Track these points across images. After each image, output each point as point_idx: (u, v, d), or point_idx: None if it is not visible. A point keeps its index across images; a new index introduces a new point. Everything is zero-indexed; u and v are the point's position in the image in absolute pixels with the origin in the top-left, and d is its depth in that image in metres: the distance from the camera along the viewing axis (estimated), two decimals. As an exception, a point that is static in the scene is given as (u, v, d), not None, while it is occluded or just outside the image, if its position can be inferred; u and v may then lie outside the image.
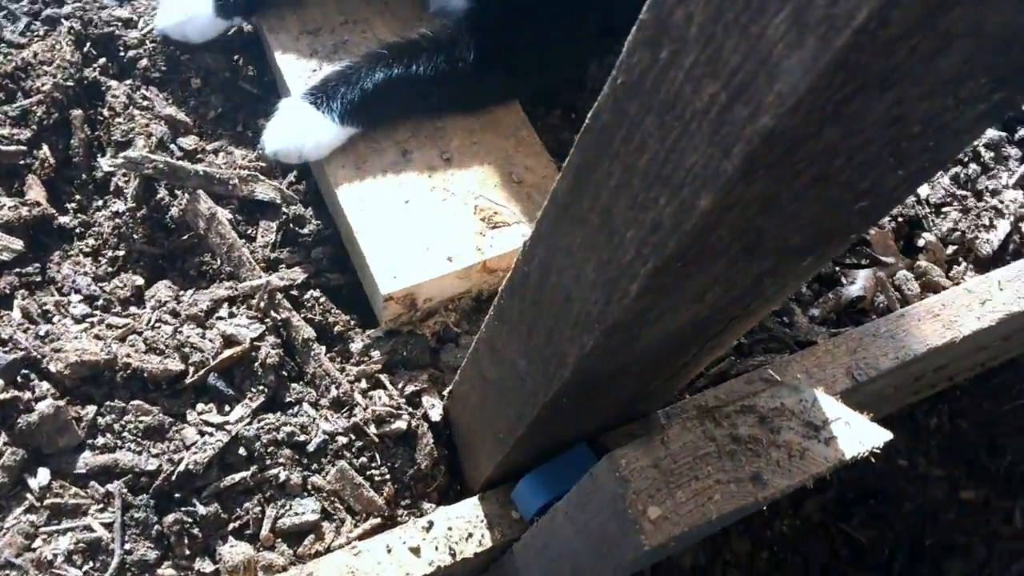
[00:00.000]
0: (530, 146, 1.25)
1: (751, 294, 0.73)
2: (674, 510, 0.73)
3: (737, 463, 0.76)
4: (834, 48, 0.39)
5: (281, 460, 1.03)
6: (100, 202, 1.18)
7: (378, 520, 1.03)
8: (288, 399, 1.07)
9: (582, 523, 0.81)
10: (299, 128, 1.13)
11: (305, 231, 1.20)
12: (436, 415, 1.09)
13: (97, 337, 1.04)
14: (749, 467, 0.76)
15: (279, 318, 1.10)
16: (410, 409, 1.08)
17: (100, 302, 1.10)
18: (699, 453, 0.75)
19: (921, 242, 1.36)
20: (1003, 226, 1.37)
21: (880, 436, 0.79)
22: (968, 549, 2.31)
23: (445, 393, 1.10)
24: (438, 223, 1.15)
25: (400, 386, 1.10)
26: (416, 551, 0.99)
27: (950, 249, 1.36)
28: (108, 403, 1.00)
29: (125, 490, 0.97)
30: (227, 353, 1.06)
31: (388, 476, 1.06)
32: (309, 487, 1.03)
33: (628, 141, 0.55)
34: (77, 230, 1.17)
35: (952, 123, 0.53)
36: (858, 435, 0.79)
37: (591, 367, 0.74)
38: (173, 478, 0.98)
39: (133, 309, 1.10)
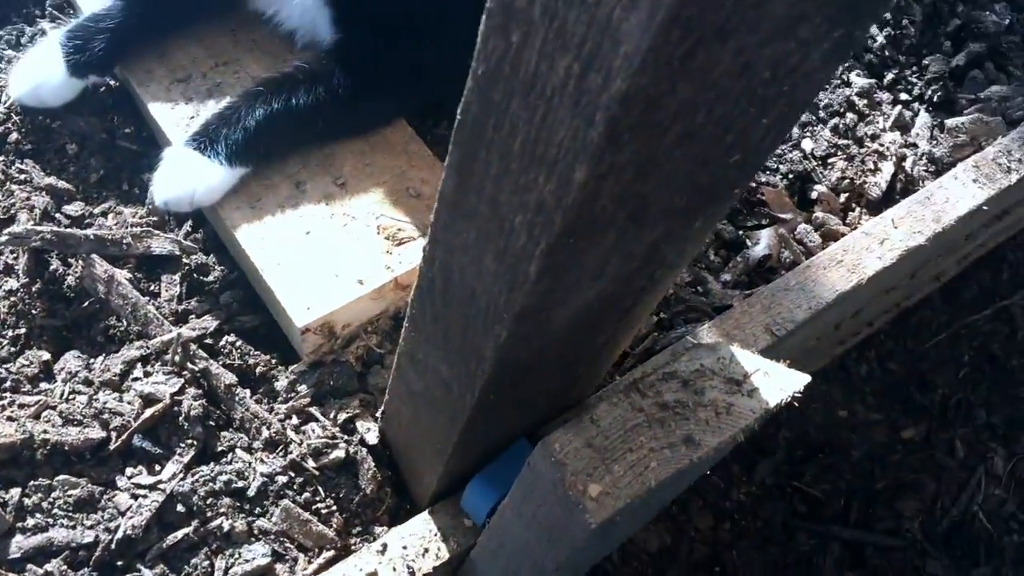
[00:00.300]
0: (422, 159, 1.26)
1: (652, 262, 0.75)
2: (614, 484, 0.74)
3: (667, 429, 0.77)
4: (665, 5, 0.41)
5: (222, 510, 1.01)
6: (-7, 283, 1.15)
7: (331, 552, 1.02)
8: (220, 448, 1.06)
9: (529, 515, 0.82)
10: (187, 175, 1.12)
11: (210, 279, 1.18)
12: (373, 438, 1.09)
13: (10, 419, 1.01)
14: (680, 431, 0.77)
15: (197, 369, 1.08)
16: (346, 437, 1.08)
17: (8, 383, 1.06)
18: (629, 425, 0.77)
19: (814, 195, 1.41)
20: (887, 168, 1.43)
21: (799, 380, 0.82)
22: (918, 486, 2.39)
23: (378, 415, 1.09)
24: (343, 248, 1.15)
25: (332, 416, 1.09)
26: (374, 574, 0.98)
27: (842, 197, 1.42)
28: (32, 483, 0.97)
29: (65, 567, 0.94)
30: (148, 412, 1.04)
31: (335, 507, 1.05)
32: (255, 532, 1.01)
33: (499, 128, 0.56)
34: (-27, 316, 1.14)
35: (800, 65, 0.55)
36: (778, 383, 0.81)
37: (510, 358, 0.75)
38: (112, 547, 0.96)
39: (44, 385, 1.07)
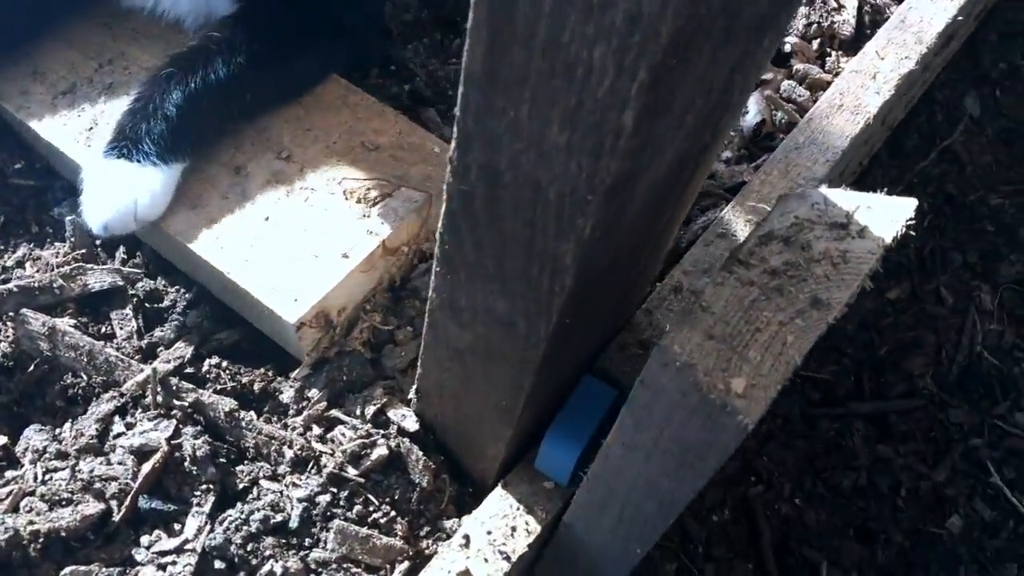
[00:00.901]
0: (367, 109, 1.10)
1: (722, 102, 0.62)
2: (756, 373, 0.61)
3: (789, 296, 0.64)
4: None
5: (268, 552, 0.84)
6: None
7: (406, 563, 0.87)
8: (241, 485, 0.89)
9: (649, 443, 0.68)
10: (120, 189, 0.93)
11: (166, 303, 1.01)
12: (412, 424, 0.93)
13: (-18, 522, 0.82)
14: (802, 295, 0.65)
15: (186, 403, 0.91)
16: (382, 431, 0.92)
17: (-35, 484, 0.87)
18: (746, 303, 0.64)
19: (787, 47, 1.30)
20: (851, 3, 1.33)
21: (907, 205, 0.70)
22: (918, 342, 2.33)
23: (410, 397, 0.94)
24: (312, 226, 0.99)
25: (358, 412, 0.94)
26: (466, 572, 0.83)
27: (815, 44, 1.31)
28: (34, 589, 0.79)
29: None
30: (147, 467, 0.86)
31: (393, 512, 0.89)
32: (313, 566, 0.85)
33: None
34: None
35: None
36: (885, 214, 0.69)
37: (593, 258, 0.61)
38: (154, 634, 0.78)
39: (9, 473, 0.88)
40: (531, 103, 0.51)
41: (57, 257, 1.01)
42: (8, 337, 0.94)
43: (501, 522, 0.88)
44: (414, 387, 0.92)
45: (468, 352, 0.78)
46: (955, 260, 2.46)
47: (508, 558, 0.85)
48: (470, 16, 0.51)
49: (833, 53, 1.30)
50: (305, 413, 0.94)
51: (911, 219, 0.69)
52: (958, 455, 2.17)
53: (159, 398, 0.91)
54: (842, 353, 2.24)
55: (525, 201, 0.58)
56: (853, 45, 1.30)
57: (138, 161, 0.94)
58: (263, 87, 1.04)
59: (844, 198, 0.70)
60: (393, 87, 1.20)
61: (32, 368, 0.94)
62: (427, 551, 0.89)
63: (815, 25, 1.31)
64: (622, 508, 0.79)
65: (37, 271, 1.00)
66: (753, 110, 1.21)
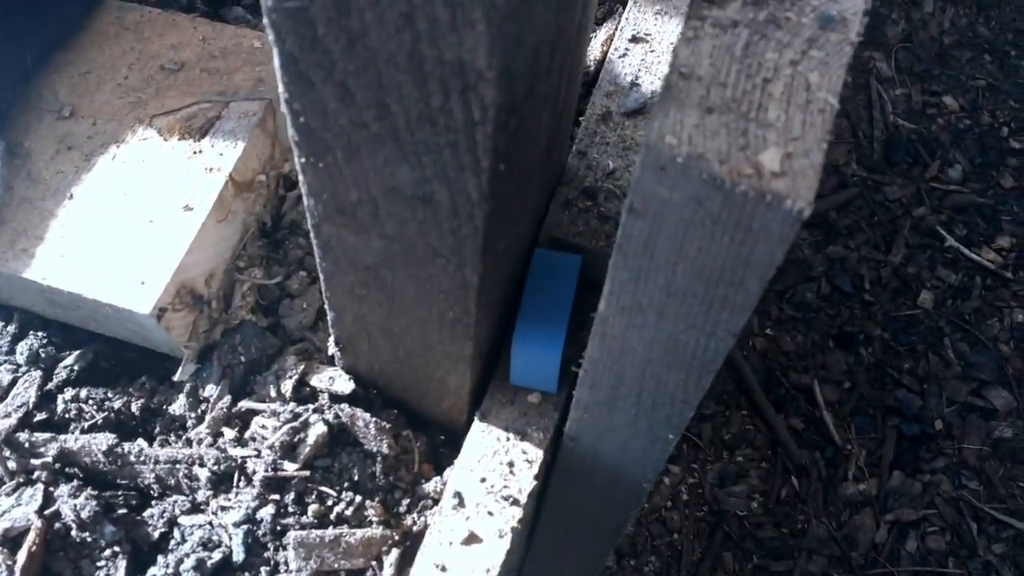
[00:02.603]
0: (154, 23, 0.85)
1: None
2: (787, 136, 0.42)
3: (789, 25, 0.46)
4: None
5: (218, 606, 0.64)
6: None
7: (396, 551, 0.68)
8: (157, 531, 0.67)
9: (661, 293, 0.49)
10: None
11: (-12, 345, 0.77)
12: (344, 386, 0.73)
13: None
14: (805, 18, 0.46)
15: (49, 458, 0.68)
16: (311, 406, 0.71)
17: None
18: (738, 52, 0.44)
19: None
20: None
21: None
22: (837, 129, 2.22)
23: (331, 353, 0.73)
24: (133, 186, 0.75)
25: (273, 394, 0.72)
26: (473, 537, 0.65)
27: None
28: None
29: None
30: (22, 557, 0.64)
31: (358, 496, 0.69)
32: (282, 599, 0.65)
33: None
34: None
35: None
36: None
37: (513, 49, 0.41)
38: None
39: None
40: None
41: None
42: None
43: (493, 461, 0.69)
44: (331, 339, 0.71)
45: (382, 265, 0.58)
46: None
47: (516, 501, 0.67)
48: None
49: None
50: (208, 418, 0.72)
51: None
52: (907, 231, 2.08)
53: (10, 464, 0.68)
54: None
55: (392, 42, 0.37)
56: None
57: None
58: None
59: None
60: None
61: None
62: (415, 528, 0.70)
63: None
64: (638, 394, 0.60)
65: None
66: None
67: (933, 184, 2.14)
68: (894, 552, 1.73)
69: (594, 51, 0.91)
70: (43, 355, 0.76)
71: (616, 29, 0.86)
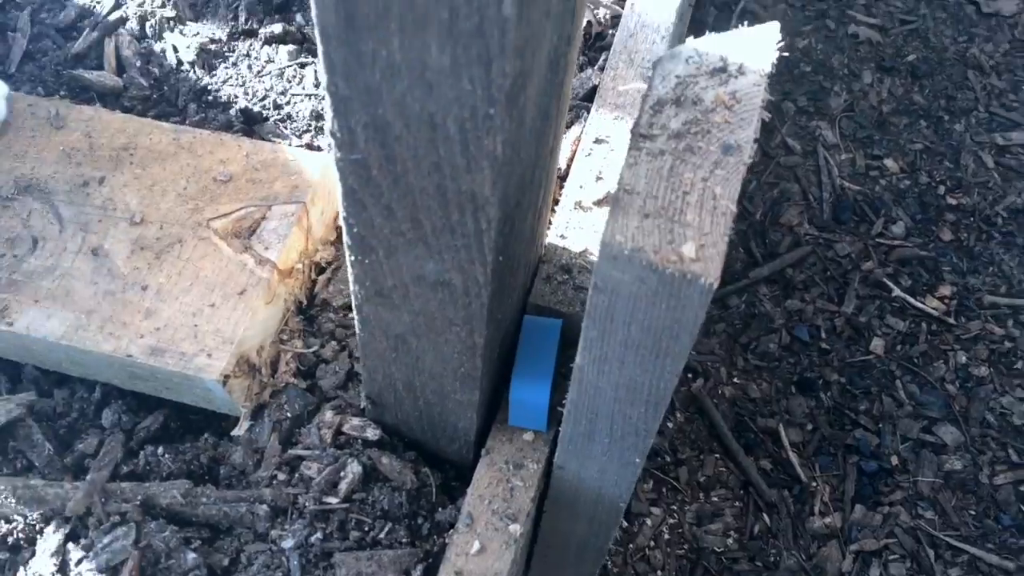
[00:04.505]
0: (204, 143, 1.03)
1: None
2: (700, 231, 0.60)
3: (700, 152, 0.64)
4: None
5: (283, 612, 0.79)
6: None
7: (421, 567, 0.84)
8: (227, 559, 0.83)
9: (620, 347, 0.67)
10: None
11: (74, 414, 0.93)
12: (373, 433, 0.90)
13: None
14: (711, 145, 0.65)
15: (137, 502, 0.84)
16: (347, 451, 0.88)
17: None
18: (665, 172, 0.63)
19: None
20: None
21: (771, 29, 0.71)
22: (787, 193, 2.44)
23: (362, 406, 0.90)
24: (195, 275, 0.93)
25: (316, 443, 0.89)
26: (483, 549, 0.81)
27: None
28: None
29: None
30: (124, 580, 0.79)
31: (388, 523, 0.86)
32: (334, 606, 0.81)
33: None
34: None
35: None
36: (755, 45, 0.70)
37: (508, 180, 0.59)
38: None
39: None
40: (400, 33, 0.49)
41: (-66, 411, 0.92)
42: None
43: (497, 488, 0.85)
44: (363, 395, 0.88)
45: (409, 333, 0.75)
46: (789, 109, 2.57)
47: (515, 518, 0.83)
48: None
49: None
50: (264, 464, 0.88)
51: (780, 40, 0.71)
52: (857, 283, 2.28)
53: (107, 508, 0.84)
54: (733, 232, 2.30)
55: (424, 143, 0.55)
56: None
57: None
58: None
59: (710, 44, 0.70)
60: (218, 115, 1.14)
61: (-46, 532, 0.85)
62: (435, 548, 0.86)
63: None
64: (610, 426, 0.78)
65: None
66: (575, 21, 1.21)
67: (879, 240, 2.35)
68: (861, 579, 1.89)
69: (565, 151, 1.10)
70: (124, 420, 0.92)
71: (582, 132, 1.05)
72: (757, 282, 2.28)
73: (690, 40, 0.70)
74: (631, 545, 1.90)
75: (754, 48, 0.68)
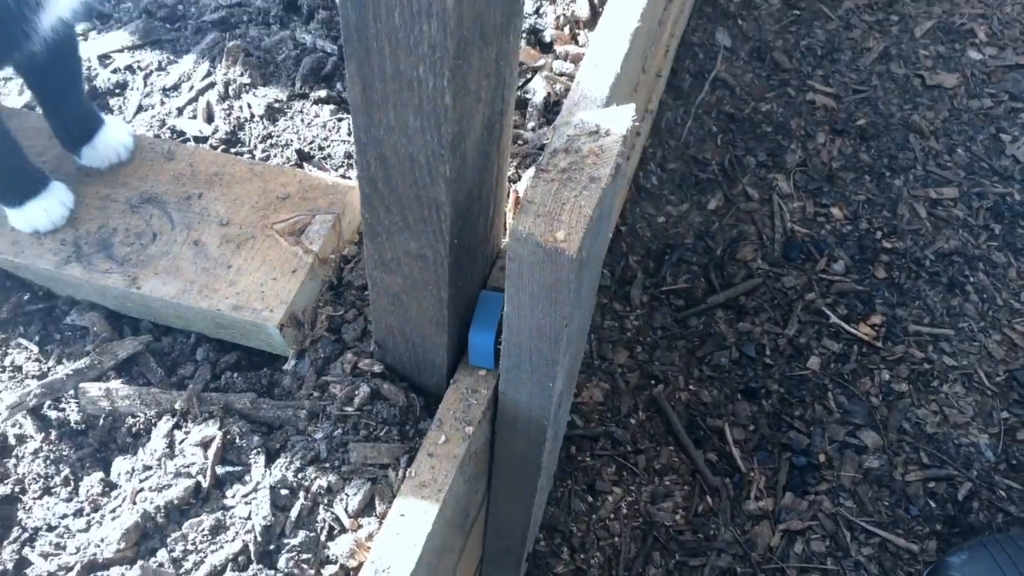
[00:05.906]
0: (271, 171, 1.48)
1: (500, 83, 1.05)
2: (568, 226, 1.03)
3: (575, 181, 1.07)
4: None
5: (313, 475, 1.21)
6: None
7: (406, 456, 1.26)
8: (278, 444, 1.26)
9: (528, 298, 1.09)
10: None
11: (176, 352, 1.36)
12: (378, 368, 1.32)
13: (118, 517, 1.16)
14: (583, 176, 1.07)
15: (220, 406, 1.28)
16: (360, 379, 1.31)
17: (87, 509, 1.21)
18: (553, 192, 1.06)
19: (548, 38, 1.75)
20: (580, -8, 1.80)
21: (626, 111, 1.14)
22: (743, 234, 2.85)
23: (371, 350, 1.33)
24: (264, 260, 1.37)
25: (340, 373, 1.32)
26: (447, 440, 1.23)
27: (567, 29, 1.77)
28: (171, 536, 1.14)
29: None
30: (212, 452, 1.22)
31: (386, 427, 1.28)
32: (346, 474, 1.23)
33: (378, 19, 0.84)
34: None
35: None
36: (617, 119, 1.13)
37: (457, 190, 1.02)
38: (256, 545, 1.15)
39: (114, 492, 1.23)
40: (394, 109, 0.93)
41: (84, 347, 1.36)
42: (76, 408, 1.28)
43: (460, 404, 1.27)
44: (373, 341, 1.31)
45: (401, 292, 1.18)
46: (750, 163, 3.02)
47: (470, 423, 1.25)
48: (347, 73, 0.92)
49: (581, 32, 1.77)
50: (304, 387, 1.31)
51: (634, 116, 1.14)
52: (800, 311, 2.70)
53: (200, 408, 1.27)
54: (690, 264, 2.74)
55: (407, 169, 0.99)
56: (592, 22, 1.77)
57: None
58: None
59: (592, 117, 1.14)
60: (279, 154, 1.59)
61: (101, 422, 1.28)
62: (417, 446, 1.28)
63: (561, 16, 1.78)
64: (529, 356, 1.20)
65: (79, 357, 1.34)
66: (540, 89, 1.66)
67: (821, 275, 2.76)
68: (785, 553, 2.27)
69: (523, 180, 1.54)
70: (211, 356, 1.36)
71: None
72: (714, 307, 2.69)
73: (579, 112, 1.14)
74: (594, 516, 2.30)
75: (618, 120, 1.11)
